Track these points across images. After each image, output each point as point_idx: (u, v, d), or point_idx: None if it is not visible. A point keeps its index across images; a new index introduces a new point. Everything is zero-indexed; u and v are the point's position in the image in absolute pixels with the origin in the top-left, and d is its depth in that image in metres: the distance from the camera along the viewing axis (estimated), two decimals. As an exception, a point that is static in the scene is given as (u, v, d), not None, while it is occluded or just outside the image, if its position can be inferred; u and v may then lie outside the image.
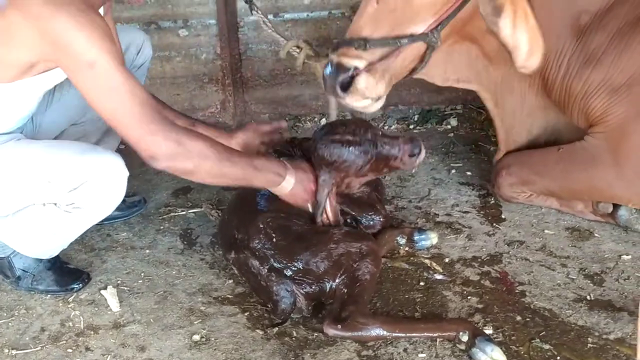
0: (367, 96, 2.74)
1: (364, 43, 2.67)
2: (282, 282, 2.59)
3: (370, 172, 2.89)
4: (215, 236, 3.18)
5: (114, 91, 2.31)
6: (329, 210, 2.85)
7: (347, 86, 2.70)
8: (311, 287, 2.60)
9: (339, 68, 2.70)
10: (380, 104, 2.82)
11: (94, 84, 2.32)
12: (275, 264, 2.61)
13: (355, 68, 2.69)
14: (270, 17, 4.16)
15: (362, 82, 2.69)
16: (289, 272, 2.60)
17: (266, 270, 2.62)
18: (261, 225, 2.68)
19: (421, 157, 2.89)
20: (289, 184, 2.69)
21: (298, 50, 3.43)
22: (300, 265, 2.60)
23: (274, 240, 2.64)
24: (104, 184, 2.54)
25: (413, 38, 2.71)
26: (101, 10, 2.70)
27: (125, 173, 2.58)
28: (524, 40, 2.69)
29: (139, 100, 2.33)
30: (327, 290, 2.61)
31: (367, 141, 2.82)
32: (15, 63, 2.40)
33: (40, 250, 2.82)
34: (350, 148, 2.80)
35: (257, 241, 2.65)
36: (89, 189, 2.52)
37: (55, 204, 2.59)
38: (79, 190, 2.52)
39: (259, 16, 3.61)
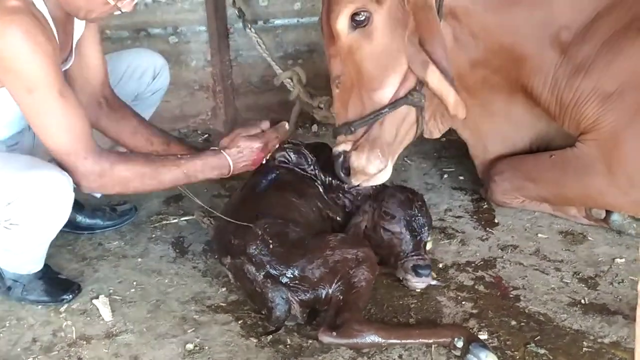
0: (368, 173, 2.85)
1: (348, 127, 2.82)
2: (277, 288, 2.57)
3: (384, 241, 2.89)
4: (208, 244, 3.17)
5: (48, 118, 2.42)
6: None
7: (347, 171, 2.86)
8: (306, 295, 2.58)
9: (334, 158, 2.88)
10: (385, 176, 2.91)
11: (31, 108, 2.42)
12: (271, 271, 2.59)
13: (344, 152, 2.83)
14: (260, 23, 4.16)
15: (353, 161, 2.84)
16: (284, 279, 2.58)
17: (262, 277, 2.59)
18: (259, 231, 2.66)
19: (417, 283, 2.81)
20: (229, 169, 2.75)
21: (292, 83, 3.57)
22: (296, 273, 2.58)
23: (271, 246, 2.62)
24: (40, 200, 2.45)
25: (394, 105, 2.80)
26: (82, 23, 2.70)
27: (68, 192, 2.50)
28: (450, 93, 2.78)
29: (70, 132, 2.45)
30: (323, 297, 2.59)
31: (413, 226, 2.86)
32: None
33: (8, 266, 2.79)
34: (403, 212, 2.86)
35: (254, 247, 2.63)
36: (24, 204, 2.44)
37: None
38: (14, 206, 2.44)
39: (253, 36, 3.69)
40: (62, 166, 2.49)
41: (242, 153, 2.76)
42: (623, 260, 2.98)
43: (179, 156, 2.72)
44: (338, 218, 3.04)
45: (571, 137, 3.11)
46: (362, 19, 2.73)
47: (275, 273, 2.59)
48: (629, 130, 2.88)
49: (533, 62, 3.01)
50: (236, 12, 3.82)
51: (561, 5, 2.95)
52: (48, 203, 2.48)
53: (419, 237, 2.84)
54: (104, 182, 2.54)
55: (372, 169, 2.85)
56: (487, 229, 3.25)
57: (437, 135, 3.15)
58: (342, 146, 2.85)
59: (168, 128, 4.14)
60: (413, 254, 2.80)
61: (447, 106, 2.83)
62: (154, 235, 3.30)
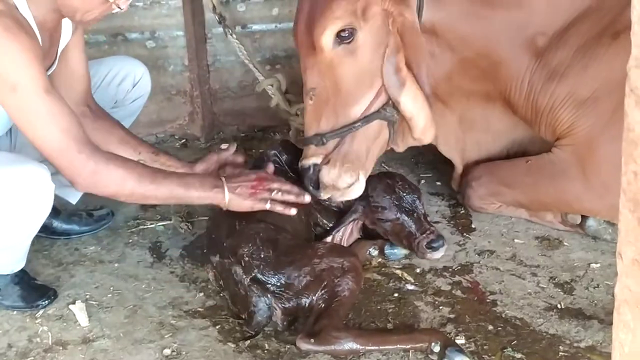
0: (339, 187, 2.84)
1: (320, 139, 2.79)
2: (262, 294, 2.58)
3: (388, 230, 3.00)
4: (186, 249, 3.15)
5: (35, 116, 2.37)
6: (345, 236, 3.02)
7: (317, 184, 2.82)
8: (290, 302, 2.59)
9: (302, 169, 2.85)
10: (358, 190, 2.90)
11: (17, 107, 2.38)
12: (259, 276, 2.59)
13: (315, 165, 2.80)
14: (238, 28, 4.15)
15: (324, 176, 2.82)
16: (270, 286, 2.59)
17: (249, 280, 2.59)
18: (253, 235, 2.67)
19: (435, 255, 2.94)
20: (226, 196, 2.62)
21: (273, 89, 3.60)
22: (282, 280, 2.59)
23: (262, 251, 2.63)
24: (21, 195, 2.45)
25: (367, 119, 2.82)
26: (68, 26, 2.69)
27: (48, 185, 2.49)
28: (421, 116, 2.82)
29: (60, 127, 2.38)
30: (306, 305, 2.60)
31: (406, 206, 2.95)
32: None
33: None
34: (389, 198, 2.94)
35: (245, 249, 2.63)
36: (4, 200, 2.44)
37: None
38: None
39: (234, 41, 3.71)
40: (55, 165, 2.43)
41: (235, 184, 2.65)
42: (598, 265, 3.00)
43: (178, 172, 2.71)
44: (326, 222, 3.09)
45: (547, 144, 3.14)
46: (347, 35, 2.74)
47: (263, 279, 2.59)
48: (604, 136, 2.90)
49: (510, 68, 3.03)
50: (216, 17, 3.83)
51: (538, 10, 2.98)
52: (29, 196, 2.47)
53: (415, 214, 2.93)
54: (99, 179, 2.43)
55: (343, 183, 2.84)
56: (464, 234, 3.26)
57: (400, 149, 3.16)
58: (313, 159, 2.83)
59: (145, 133, 4.16)
60: (420, 231, 2.91)
61: (413, 129, 2.86)
62: (130, 241, 3.27)
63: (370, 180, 2.99)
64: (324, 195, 2.88)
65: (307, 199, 2.76)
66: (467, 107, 3.21)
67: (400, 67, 2.77)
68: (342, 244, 3.00)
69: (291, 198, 2.71)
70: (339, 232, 2.99)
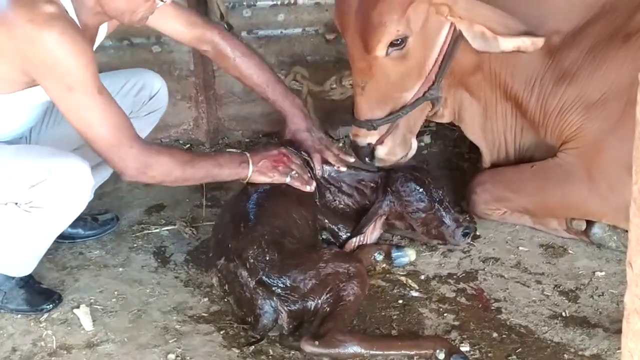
0: (393, 160, 3.08)
1: (371, 124, 2.94)
2: (267, 297, 2.58)
3: (419, 223, 3.10)
4: (190, 254, 3.17)
5: (89, 114, 2.50)
6: (368, 232, 3.09)
7: (372, 157, 3.04)
8: (296, 305, 2.59)
9: (356, 146, 3.04)
10: (412, 153, 3.16)
11: (72, 106, 2.49)
12: (264, 278, 2.59)
13: (369, 144, 3.00)
14: (244, 34, 4.16)
15: (380, 153, 3.04)
16: (276, 289, 2.59)
17: (254, 283, 2.59)
18: (258, 238, 2.67)
19: (467, 240, 3.13)
20: (250, 170, 2.84)
21: (297, 82, 3.68)
22: (288, 283, 2.59)
23: (268, 254, 2.63)
24: (64, 184, 2.53)
25: (413, 105, 2.94)
26: (104, 27, 2.80)
27: (89, 179, 2.59)
28: (524, 40, 2.77)
29: (112, 124, 2.52)
30: (311, 308, 2.60)
31: (437, 196, 3.07)
32: (7, 77, 2.50)
33: (7, 263, 2.78)
34: (423, 190, 3.06)
35: (251, 252, 2.63)
36: (49, 187, 2.51)
37: (16, 204, 2.56)
38: (39, 188, 2.50)
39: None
40: (107, 158, 2.59)
41: (259, 158, 2.88)
42: (603, 273, 3.00)
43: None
44: (332, 226, 3.11)
45: (552, 149, 3.14)
46: (399, 42, 2.78)
47: (268, 281, 2.59)
48: (611, 138, 2.90)
49: (525, 66, 3.04)
50: (224, 25, 3.84)
51: (554, 8, 2.99)
52: (70, 187, 2.56)
53: (444, 204, 3.06)
54: (149, 171, 2.63)
55: (398, 155, 3.07)
56: (469, 241, 3.25)
57: (446, 120, 3.36)
58: (368, 139, 2.98)
59: (150, 137, 4.14)
60: (452, 220, 3.07)
61: (527, 50, 2.80)
62: (135, 245, 3.28)
63: (397, 176, 3.09)
64: (378, 164, 3.09)
65: (312, 188, 2.96)
66: (491, 100, 3.21)
67: (482, 31, 2.77)
68: (365, 241, 3.08)
69: (300, 183, 2.93)
70: (367, 230, 3.08)
